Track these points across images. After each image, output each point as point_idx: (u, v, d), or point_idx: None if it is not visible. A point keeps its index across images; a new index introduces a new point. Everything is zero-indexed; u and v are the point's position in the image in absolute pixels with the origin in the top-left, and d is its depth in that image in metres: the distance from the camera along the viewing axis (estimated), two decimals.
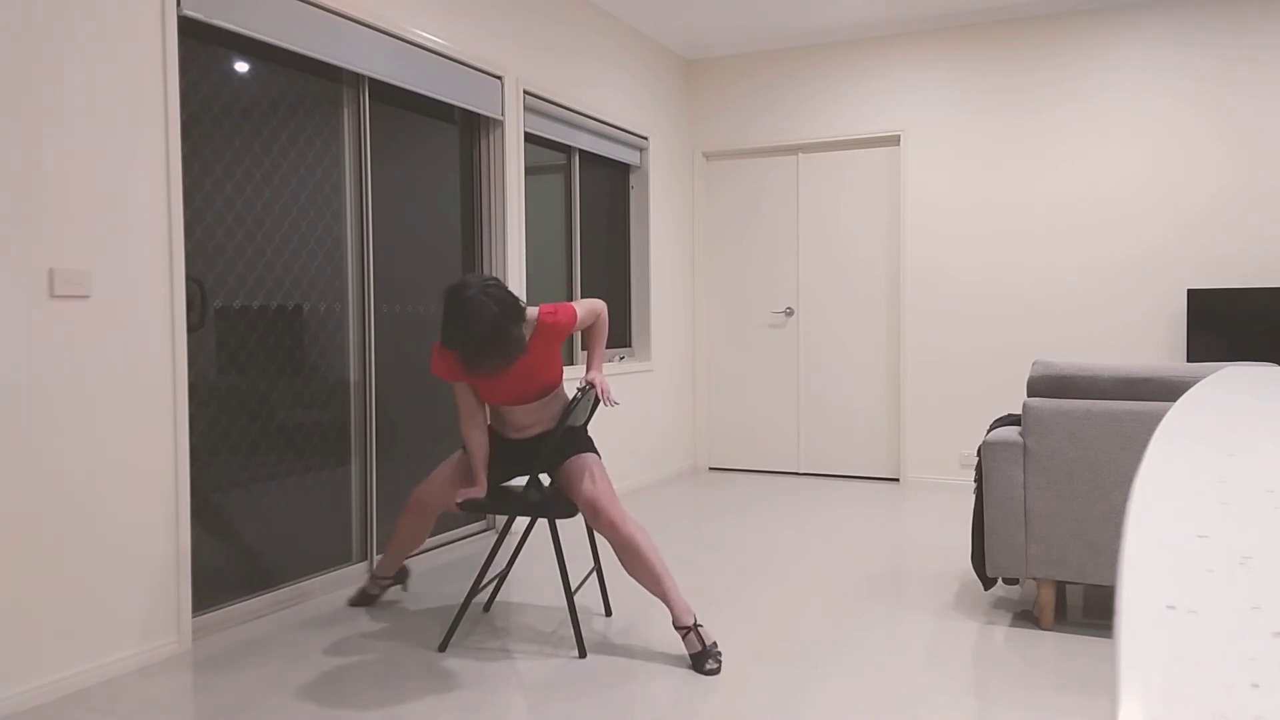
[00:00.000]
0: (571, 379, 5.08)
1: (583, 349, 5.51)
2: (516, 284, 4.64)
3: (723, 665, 2.84)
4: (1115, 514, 3.00)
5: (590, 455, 3.07)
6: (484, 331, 2.69)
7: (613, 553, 3.68)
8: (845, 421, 6.16)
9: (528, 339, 2.96)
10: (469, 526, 4.54)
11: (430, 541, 4.25)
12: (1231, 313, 5.06)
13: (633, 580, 3.74)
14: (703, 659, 2.81)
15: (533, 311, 3.01)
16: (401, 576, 3.56)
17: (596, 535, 4.10)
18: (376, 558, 3.89)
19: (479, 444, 3.08)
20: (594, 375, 3.09)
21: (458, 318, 2.71)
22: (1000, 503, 3.16)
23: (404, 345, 4.08)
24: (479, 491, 3.01)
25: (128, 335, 2.80)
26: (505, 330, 2.72)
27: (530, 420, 3.13)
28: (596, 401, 3.30)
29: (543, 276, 5.12)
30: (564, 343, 3.10)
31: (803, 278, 6.23)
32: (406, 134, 4.10)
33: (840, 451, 6.18)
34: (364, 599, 3.47)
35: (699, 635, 2.84)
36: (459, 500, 2.99)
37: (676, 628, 2.89)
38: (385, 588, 3.48)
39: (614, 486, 3.05)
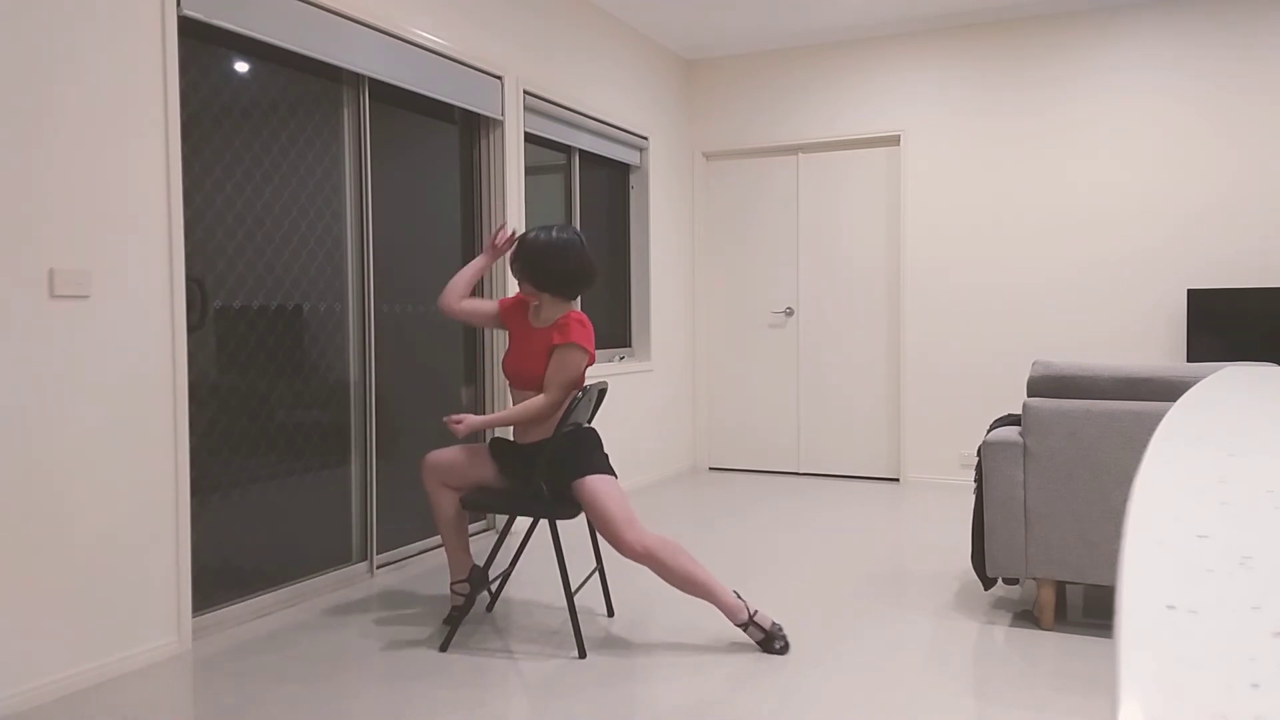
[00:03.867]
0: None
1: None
2: (515, 285, 4.63)
3: (761, 651, 2.93)
4: (1115, 514, 3.00)
5: (594, 480, 2.97)
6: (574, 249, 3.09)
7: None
8: (845, 421, 6.16)
9: (554, 320, 3.09)
10: (471, 526, 4.53)
11: (431, 541, 4.25)
12: (1231, 313, 5.06)
13: (636, 582, 3.74)
14: (770, 643, 2.91)
15: (573, 306, 3.14)
16: (476, 579, 3.17)
17: (599, 536, 4.10)
18: (378, 558, 3.90)
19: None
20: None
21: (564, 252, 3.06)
22: (1000, 503, 3.16)
23: (404, 345, 4.08)
24: (474, 420, 2.92)
25: (128, 335, 2.80)
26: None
27: (525, 420, 3.08)
28: (600, 400, 3.30)
29: None
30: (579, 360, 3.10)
31: (803, 278, 6.23)
32: (406, 134, 4.10)
33: (840, 451, 6.18)
34: (453, 616, 3.15)
35: (757, 625, 2.92)
36: (453, 421, 2.92)
37: (736, 625, 2.97)
38: (464, 595, 3.21)
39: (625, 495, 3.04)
